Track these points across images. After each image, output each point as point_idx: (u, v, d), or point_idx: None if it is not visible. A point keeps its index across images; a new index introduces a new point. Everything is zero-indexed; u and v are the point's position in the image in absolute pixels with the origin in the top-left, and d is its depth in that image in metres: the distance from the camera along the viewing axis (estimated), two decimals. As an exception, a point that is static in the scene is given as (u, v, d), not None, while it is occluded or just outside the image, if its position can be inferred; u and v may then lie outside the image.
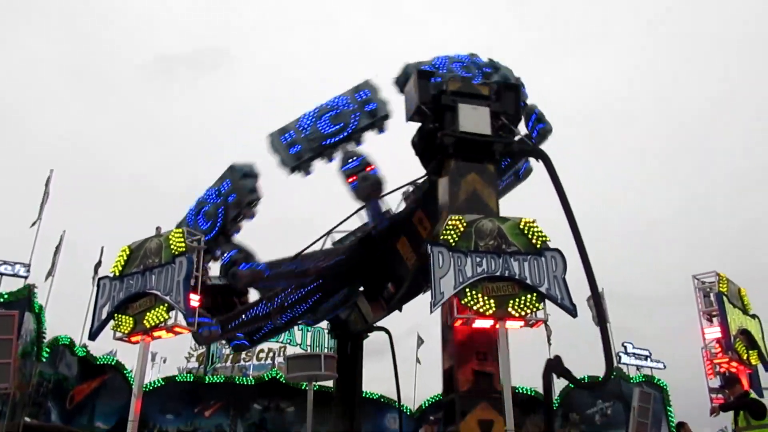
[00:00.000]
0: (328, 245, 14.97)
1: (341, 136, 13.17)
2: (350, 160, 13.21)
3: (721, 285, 13.89)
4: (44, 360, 17.45)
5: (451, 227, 10.89)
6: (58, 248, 18.59)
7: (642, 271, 62.23)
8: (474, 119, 12.05)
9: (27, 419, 16.43)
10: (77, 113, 70.12)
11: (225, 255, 13.15)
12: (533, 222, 11.09)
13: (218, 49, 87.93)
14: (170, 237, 11.20)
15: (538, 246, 10.84)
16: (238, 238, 12.95)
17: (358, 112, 13.30)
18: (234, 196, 12.47)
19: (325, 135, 13.13)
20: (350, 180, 13.21)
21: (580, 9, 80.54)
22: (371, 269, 15.60)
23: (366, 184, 13.24)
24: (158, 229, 12.02)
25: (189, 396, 19.93)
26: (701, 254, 47.95)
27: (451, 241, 10.74)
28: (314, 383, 11.03)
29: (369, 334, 16.57)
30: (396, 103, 13.60)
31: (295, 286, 14.90)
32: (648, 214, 67.26)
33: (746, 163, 67.69)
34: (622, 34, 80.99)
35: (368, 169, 13.27)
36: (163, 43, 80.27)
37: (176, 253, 10.95)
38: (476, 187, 11.73)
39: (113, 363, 20.58)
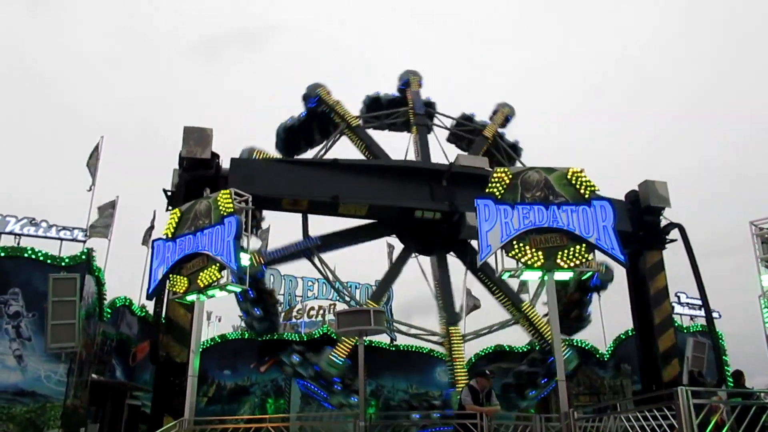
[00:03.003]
0: None
1: None
2: None
3: (780, 231, 13.39)
4: (106, 320, 18.19)
5: (496, 179, 10.75)
6: (113, 212, 19.09)
7: (695, 217, 60.39)
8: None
9: (94, 376, 17.25)
10: (128, 83, 71.48)
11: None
12: (581, 172, 10.85)
13: (266, 26, 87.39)
14: (218, 198, 11.40)
15: (587, 196, 10.62)
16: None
17: None
18: None
19: None
20: None
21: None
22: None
23: None
24: (206, 191, 12.26)
25: (244, 353, 20.55)
26: (758, 199, 46.24)
27: (497, 193, 10.62)
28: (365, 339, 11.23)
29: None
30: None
31: None
32: (701, 158, 64.97)
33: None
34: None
35: None
36: (211, 19, 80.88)
37: (225, 213, 11.15)
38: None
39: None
